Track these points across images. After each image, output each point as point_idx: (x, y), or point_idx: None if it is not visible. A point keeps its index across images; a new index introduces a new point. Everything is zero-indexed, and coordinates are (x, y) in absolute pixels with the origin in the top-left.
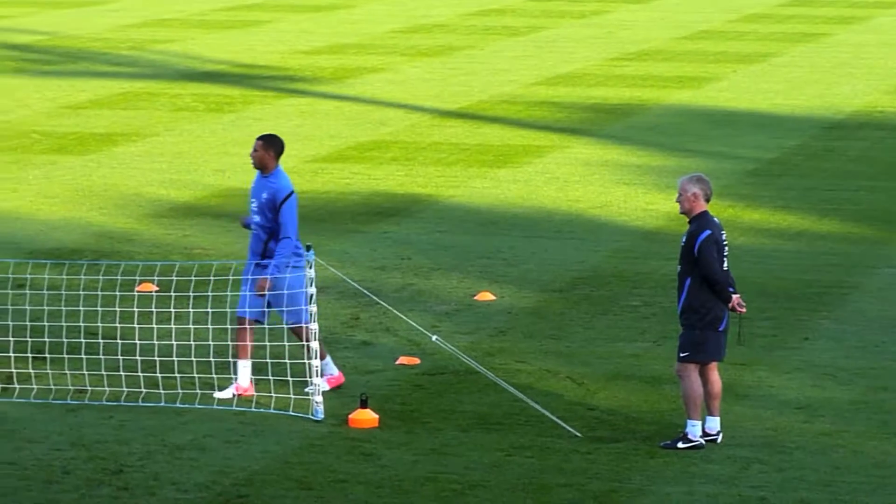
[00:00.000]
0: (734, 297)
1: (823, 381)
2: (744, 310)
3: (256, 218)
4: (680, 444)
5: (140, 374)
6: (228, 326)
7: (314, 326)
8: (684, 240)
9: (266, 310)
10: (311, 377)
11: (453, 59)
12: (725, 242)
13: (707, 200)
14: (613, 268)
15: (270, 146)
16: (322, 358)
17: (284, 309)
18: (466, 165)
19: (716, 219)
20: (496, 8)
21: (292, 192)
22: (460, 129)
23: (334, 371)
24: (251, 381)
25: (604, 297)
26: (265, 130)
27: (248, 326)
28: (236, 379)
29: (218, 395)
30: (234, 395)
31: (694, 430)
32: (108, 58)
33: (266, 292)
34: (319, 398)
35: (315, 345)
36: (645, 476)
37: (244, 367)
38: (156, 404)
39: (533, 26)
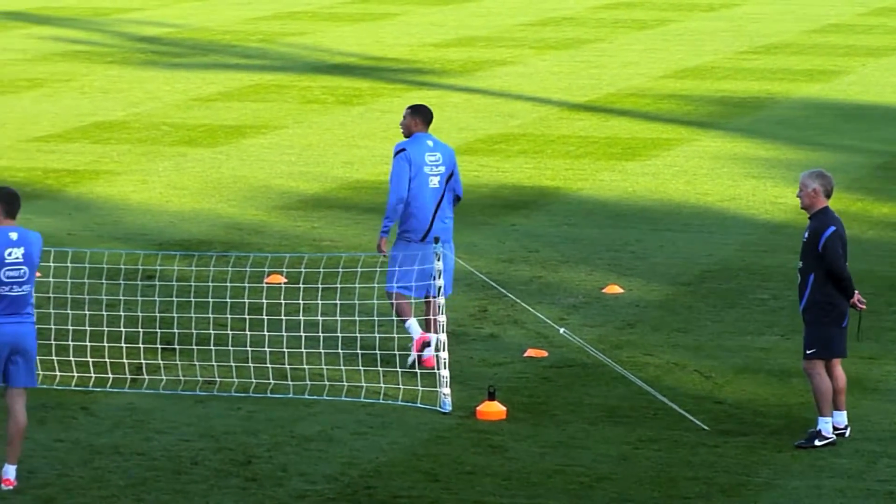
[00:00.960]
0: (855, 293)
1: None
2: (864, 306)
3: None
4: (816, 442)
5: (268, 365)
6: (356, 318)
7: (442, 318)
8: (806, 235)
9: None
10: (438, 369)
11: (582, 52)
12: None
13: (828, 196)
14: (742, 261)
15: (416, 114)
16: (405, 317)
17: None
18: (595, 158)
19: (836, 214)
20: (625, 1)
21: (400, 151)
22: (589, 121)
23: (417, 333)
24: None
25: (732, 290)
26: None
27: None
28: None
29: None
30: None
31: (826, 426)
32: (237, 50)
33: (381, 253)
34: (447, 390)
35: (443, 337)
36: (772, 470)
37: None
38: (284, 395)
39: (661, 19)
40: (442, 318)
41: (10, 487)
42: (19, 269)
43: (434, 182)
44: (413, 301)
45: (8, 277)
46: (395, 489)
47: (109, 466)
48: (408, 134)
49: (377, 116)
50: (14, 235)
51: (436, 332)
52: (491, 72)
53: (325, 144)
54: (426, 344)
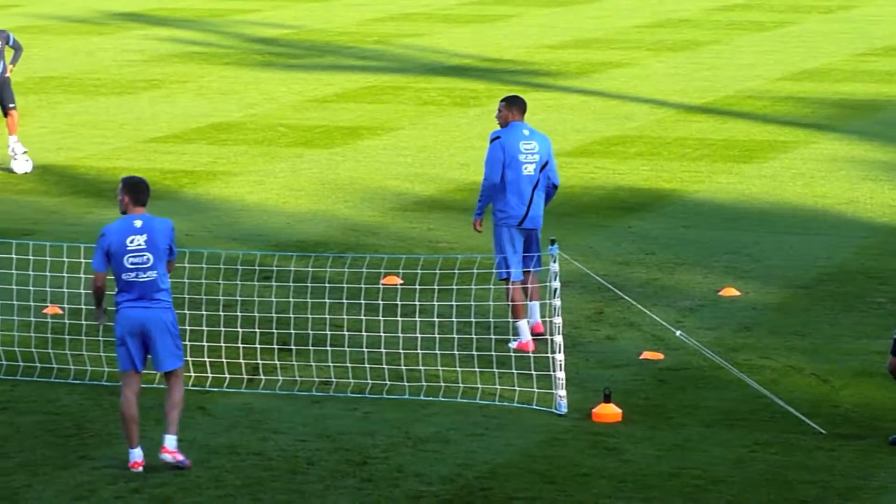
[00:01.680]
0: None
1: None
2: None
3: None
4: None
5: (384, 366)
6: (472, 320)
7: (558, 321)
8: None
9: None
10: (554, 371)
11: (698, 54)
12: None
13: None
14: (860, 264)
15: (512, 105)
16: (518, 312)
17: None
18: (711, 161)
19: None
20: (741, 3)
21: (496, 138)
22: (705, 124)
23: (525, 337)
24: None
25: (849, 293)
26: None
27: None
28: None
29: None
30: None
31: None
32: (354, 52)
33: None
34: (563, 392)
35: (559, 339)
36: (890, 473)
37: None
38: (400, 397)
39: (779, 21)
40: (558, 321)
41: (169, 457)
42: (142, 256)
43: (529, 170)
44: (520, 290)
45: (131, 264)
46: (511, 491)
47: (226, 466)
48: (504, 124)
49: (493, 118)
50: (138, 223)
51: (550, 332)
52: (607, 74)
53: (441, 146)
54: (538, 335)
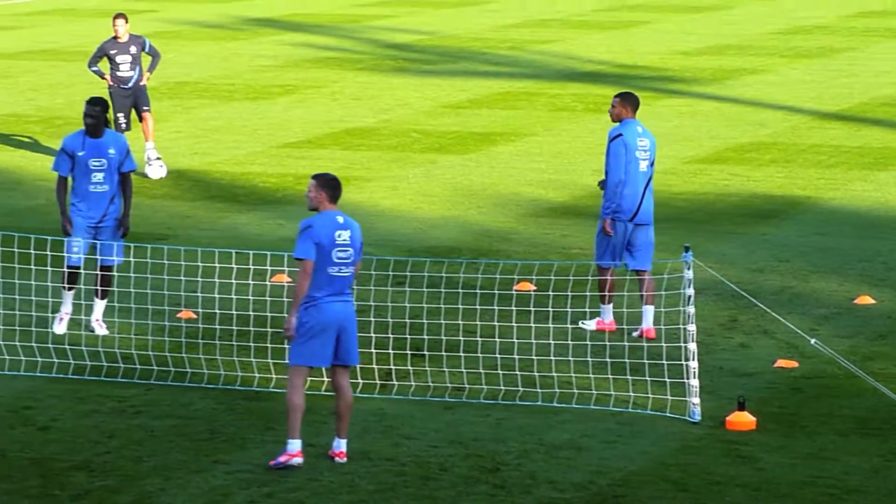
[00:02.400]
0: None
1: None
2: None
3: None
4: None
5: (517, 372)
6: (605, 327)
7: (692, 328)
8: None
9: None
10: (687, 378)
11: (834, 61)
12: None
13: None
14: None
15: (627, 101)
16: (605, 303)
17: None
18: (847, 168)
19: None
20: (878, 10)
21: (617, 136)
22: (841, 131)
23: (608, 318)
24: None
25: None
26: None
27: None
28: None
29: (584, 324)
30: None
31: None
32: (487, 57)
33: (608, 234)
34: (696, 400)
35: (693, 346)
36: None
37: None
38: (532, 403)
39: None
40: (692, 328)
41: (343, 460)
42: (347, 251)
43: (643, 166)
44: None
45: (338, 258)
46: (644, 498)
47: (359, 471)
48: (617, 120)
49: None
50: (340, 219)
51: (684, 339)
52: (741, 80)
53: (574, 152)
54: (650, 341)
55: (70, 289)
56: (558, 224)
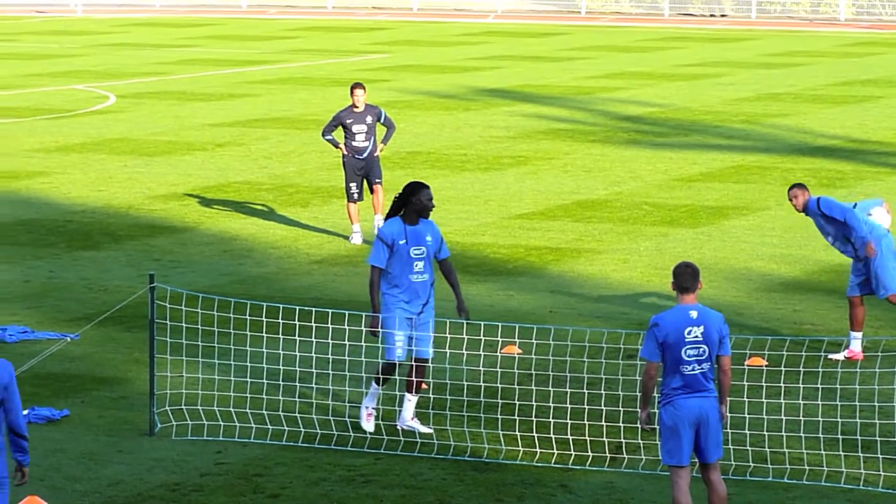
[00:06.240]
0: None
1: None
2: None
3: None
4: None
5: (748, 448)
6: (837, 403)
7: None
8: None
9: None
10: None
11: None
12: None
13: None
14: None
15: (805, 188)
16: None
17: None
18: None
19: None
20: None
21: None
22: None
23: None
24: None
25: None
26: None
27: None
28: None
29: (834, 356)
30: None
31: None
32: (720, 130)
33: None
34: None
35: None
36: None
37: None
38: (763, 479)
39: None
40: None
41: None
42: (699, 348)
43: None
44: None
45: (688, 356)
46: None
47: None
48: (801, 209)
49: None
50: (694, 314)
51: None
52: None
53: (807, 226)
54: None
55: (382, 384)
56: (790, 299)
